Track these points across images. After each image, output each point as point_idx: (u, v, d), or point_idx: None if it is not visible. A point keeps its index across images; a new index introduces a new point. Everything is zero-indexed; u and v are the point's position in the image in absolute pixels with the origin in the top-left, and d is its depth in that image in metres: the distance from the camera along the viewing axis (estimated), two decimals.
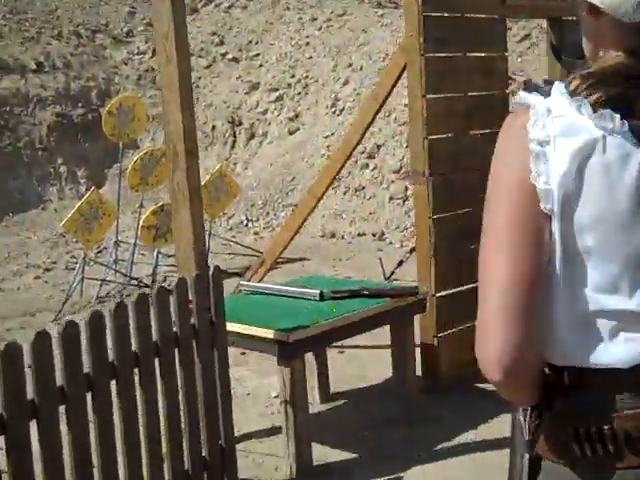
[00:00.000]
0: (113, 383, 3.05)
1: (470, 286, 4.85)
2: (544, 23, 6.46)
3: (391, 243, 9.05)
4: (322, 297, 4.10)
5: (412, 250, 7.28)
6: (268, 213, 10.50)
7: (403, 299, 4.19)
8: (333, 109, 11.60)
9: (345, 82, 11.96)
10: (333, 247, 9.13)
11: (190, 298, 3.35)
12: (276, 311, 4.00)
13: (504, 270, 1.37)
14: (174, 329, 3.28)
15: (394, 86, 4.73)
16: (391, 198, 9.88)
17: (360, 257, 8.57)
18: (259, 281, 5.43)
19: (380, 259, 7.60)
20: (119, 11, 14.54)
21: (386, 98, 4.72)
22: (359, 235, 9.45)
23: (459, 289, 4.79)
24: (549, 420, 1.43)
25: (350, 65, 12.25)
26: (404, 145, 10.40)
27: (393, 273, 7.40)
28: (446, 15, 4.64)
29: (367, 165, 10.47)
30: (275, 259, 5.34)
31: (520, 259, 1.35)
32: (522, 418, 1.47)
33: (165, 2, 3.29)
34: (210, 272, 3.42)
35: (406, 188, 9.91)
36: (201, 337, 3.37)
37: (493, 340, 1.36)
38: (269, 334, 3.72)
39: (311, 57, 12.55)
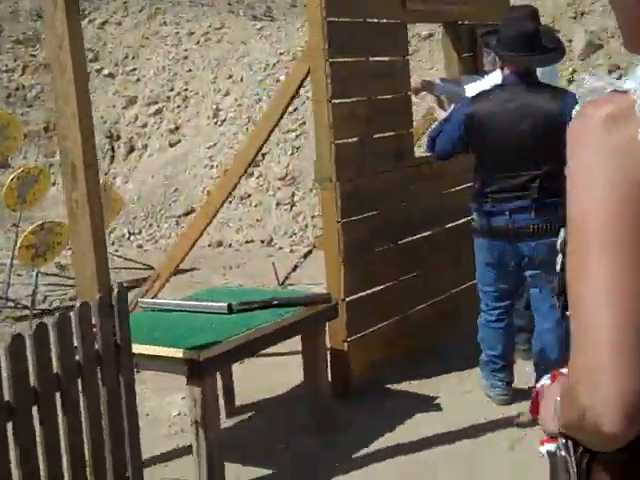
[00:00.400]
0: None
1: (379, 288, 4.87)
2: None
3: (281, 248, 9.00)
4: (230, 310, 3.96)
5: (306, 254, 7.27)
6: (151, 225, 10.28)
7: (315, 306, 4.14)
8: (215, 120, 11.48)
9: (226, 93, 11.87)
10: (221, 256, 9.01)
11: (94, 322, 3.15)
12: (182, 329, 3.81)
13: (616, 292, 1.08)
14: (76, 357, 3.07)
15: (298, 90, 4.69)
16: (278, 204, 9.85)
17: (251, 264, 8.49)
18: (154, 297, 5.23)
19: (273, 264, 7.55)
20: None
21: (289, 103, 4.67)
22: (247, 242, 9.37)
23: (368, 292, 4.79)
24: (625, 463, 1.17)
25: (230, 77, 12.17)
26: (289, 152, 10.41)
27: (287, 278, 7.36)
28: (349, 20, 4.64)
29: (252, 173, 10.40)
30: (171, 273, 5.19)
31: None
32: (566, 454, 1.24)
33: (58, 9, 3.11)
34: (115, 292, 3.24)
35: (293, 194, 9.91)
36: (106, 363, 3.17)
37: (612, 385, 1.07)
38: (178, 354, 3.53)
39: (190, 70, 12.40)
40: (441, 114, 4.79)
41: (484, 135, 4.24)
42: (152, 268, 7.95)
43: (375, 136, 4.87)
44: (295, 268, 7.32)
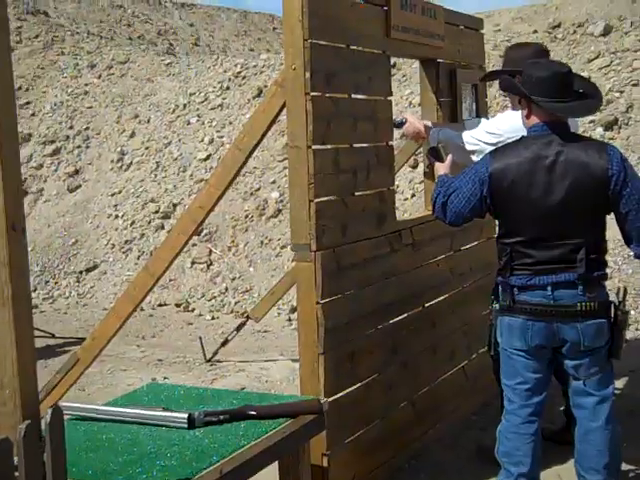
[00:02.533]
0: None
1: (364, 382, 3.85)
2: None
3: (200, 315, 7.85)
4: (192, 423, 2.88)
5: (239, 327, 6.20)
6: (47, 282, 8.93)
7: (303, 417, 3.07)
8: (119, 164, 10.29)
9: (131, 134, 10.71)
10: (132, 321, 7.76)
11: (16, 463, 2.06)
12: (129, 455, 2.69)
13: None
14: None
15: (267, 131, 3.66)
16: (193, 263, 8.71)
17: (168, 333, 7.31)
18: (71, 385, 4.10)
19: (200, 338, 6.42)
20: None
21: (255, 147, 3.63)
22: (160, 305, 8.16)
23: (350, 390, 3.75)
24: None
25: (136, 116, 11.03)
26: None
27: (216, 354, 6.25)
28: (334, 45, 3.67)
29: (162, 226, 9.25)
30: (95, 357, 4.03)
31: None
32: None
33: None
34: (47, 418, 2.15)
35: (210, 252, 8.80)
36: None
37: None
38: None
39: (91, 107, 11.18)
40: (440, 168, 3.84)
41: (515, 198, 3.33)
42: (52, 335, 6.76)
43: (357, 194, 3.88)
44: (225, 342, 6.21)
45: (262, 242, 8.66)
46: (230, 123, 10.23)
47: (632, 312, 6.35)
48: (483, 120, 4.46)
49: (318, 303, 3.54)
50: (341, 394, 3.68)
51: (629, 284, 6.63)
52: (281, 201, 9.03)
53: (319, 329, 3.53)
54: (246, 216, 8.84)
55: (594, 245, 3.34)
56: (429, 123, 4.48)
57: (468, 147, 4.12)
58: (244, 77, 10.99)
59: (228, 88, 10.87)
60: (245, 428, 2.90)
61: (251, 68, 11.07)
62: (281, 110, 3.60)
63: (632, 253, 3.50)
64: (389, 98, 4.17)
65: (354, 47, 3.84)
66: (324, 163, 3.59)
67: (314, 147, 3.52)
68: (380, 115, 4.06)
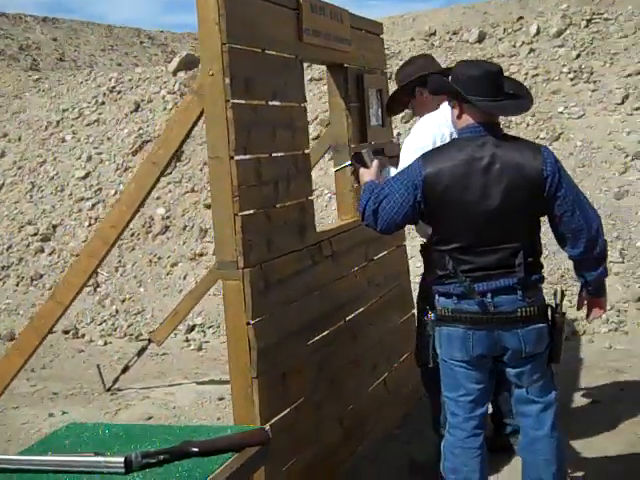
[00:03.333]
0: None
1: (295, 404, 3.64)
2: None
3: (92, 341, 7.41)
4: (129, 467, 2.57)
5: (140, 352, 5.87)
6: None
7: (248, 449, 2.82)
8: None
9: (1, 154, 10.13)
10: None
11: None
12: None
13: None
14: None
15: (183, 143, 3.40)
16: None
17: (59, 363, 6.87)
18: None
19: (98, 366, 6.03)
20: None
21: (171, 159, 3.37)
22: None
23: (283, 413, 3.53)
24: None
25: (5, 135, 10.44)
26: (85, 224, 8.88)
27: (116, 382, 5.88)
28: (251, 49, 3.45)
29: (42, 249, 8.75)
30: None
31: None
32: None
33: None
34: None
35: (95, 274, 8.36)
36: None
37: None
38: None
39: None
40: (366, 174, 3.66)
41: (450, 202, 3.19)
42: None
43: (279, 205, 3.67)
44: (126, 369, 5.86)
45: (151, 261, 8.31)
46: (108, 139, 9.82)
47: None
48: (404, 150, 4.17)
49: (249, 324, 3.31)
50: (275, 419, 3.45)
51: (564, 269, 6.68)
52: (167, 217, 8.71)
53: (251, 352, 3.30)
54: (132, 234, 8.46)
55: (531, 248, 3.25)
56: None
57: None
58: (119, 91, 10.59)
59: (103, 103, 10.45)
60: (189, 468, 2.62)
61: (126, 82, 10.69)
62: (198, 119, 3.36)
63: (567, 255, 3.42)
64: (303, 105, 3.99)
65: (269, 51, 3.64)
66: (247, 174, 3.36)
67: (236, 157, 3.29)
68: (297, 123, 3.87)
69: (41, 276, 8.46)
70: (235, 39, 3.31)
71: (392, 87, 7.28)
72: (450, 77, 3.33)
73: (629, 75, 8.31)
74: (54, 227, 8.93)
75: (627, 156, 7.57)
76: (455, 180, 3.17)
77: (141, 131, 9.70)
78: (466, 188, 3.17)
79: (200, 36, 3.27)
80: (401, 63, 4.40)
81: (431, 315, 3.38)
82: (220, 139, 3.26)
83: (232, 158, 3.27)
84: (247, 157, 3.37)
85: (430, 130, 3.77)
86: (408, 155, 3.84)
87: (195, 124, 3.37)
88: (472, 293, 3.20)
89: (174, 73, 10.34)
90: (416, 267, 6.19)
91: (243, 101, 3.35)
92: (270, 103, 3.65)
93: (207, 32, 3.25)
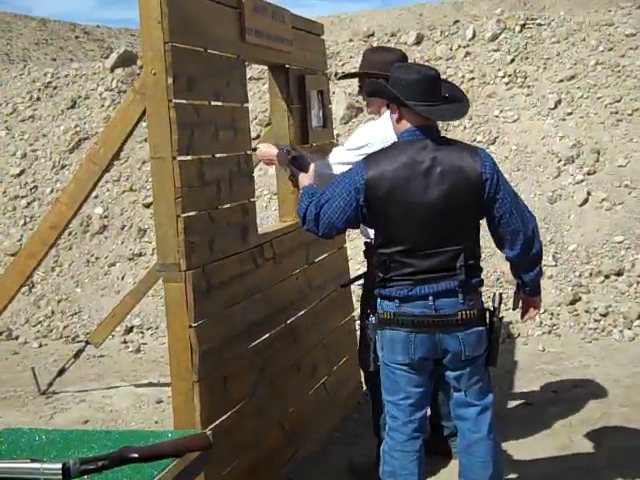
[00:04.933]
0: None
1: (236, 408, 3.62)
2: None
3: (26, 342, 7.26)
4: (67, 474, 2.51)
5: (78, 353, 5.77)
6: None
7: (188, 455, 2.80)
8: None
9: None
10: None
11: None
12: None
13: None
14: None
15: (125, 142, 3.36)
16: None
17: None
18: None
19: (33, 369, 5.91)
20: None
21: (113, 159, 3.32)
22: None
23: (223, 417, 3.51)
24: None
25: None
26: (20, 223, 8.70)
27: (52, 385, 5.77)
28: (194, 48, 3.42)
29: None
30: None
31: None
32: None
33: None
34: None
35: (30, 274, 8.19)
36: None
37: None
38: None
39: None
40: (304, 179, 3.66)
41: (392, 205, 3.21)
42: None
43: (222, 207, 3.65)
44: (62, 371, 5.75)
45: (88, 260, 8.18)
46: (44, 135, 9.63)
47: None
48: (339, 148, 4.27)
49: (191, 327, 3.28)
50: (215, 423, 3.43)
51: (500, 273, 6.76)
52: (105, 216, 8.59)
53: (193, 355, 3.27)
54: (69, 233, 8.32)
55: (471, 251, 3.29)
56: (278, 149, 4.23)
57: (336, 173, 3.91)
58: (55, 87, 10.39)
59: (39, 99, 10.24)
60: (129, 474, 2.58)
61: (62, 78, 10.48)
62: (140, 118, 3.32)
63: (504, 256, 3.47)
64: (246, 105, 3.97)
65: (212, 51, 3.61)
66: (190, 175, 3.33)
67: (179, 158, 3.26)
68: (238, 123, 3.85)
69: None
70: (178, 38, 3.28)
71: (333, 88, 7.29)
72: (389, 81, 3.35)
73: (561, 80, 8.47)
74: None
75: (560, 160, 7.71)
76: (397, 183, 3.19)
77: (78, 128, 9.54)
78: (407, 191, 3.19)
79: (142, 35, 3.23)
80: (342, 63, 4.41)
81: (373, 318, 3.39)
82: (163, 139, 3.22)
83: (175, 159, 3.24)
84: (190, 158, 3.34)
85: (381, 132, 3.79)
86: (342, 155, 3.89)
87: (137, 124, 3.34)
88: (413, 298, 3.23)
89: (111, 69, 10.19)
90: (355, 269, 6.22)
91: (185, 101, 3.32)
92: (212, 103, 3.62)
93: (149, 30, 3.21)
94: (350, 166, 3.78)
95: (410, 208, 3.19)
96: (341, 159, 3.90)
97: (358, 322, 4.58)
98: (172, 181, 3.23)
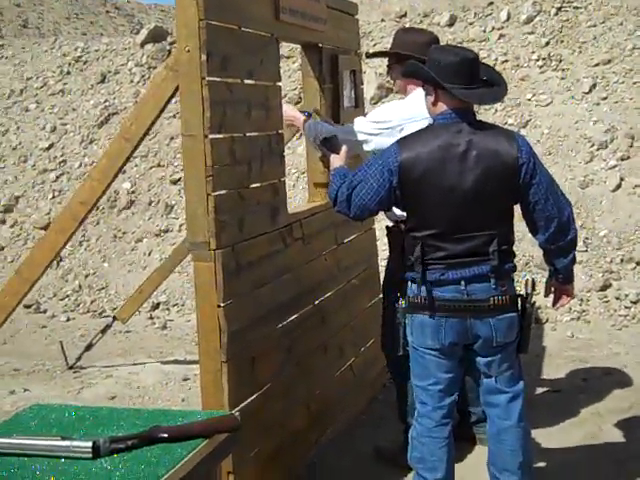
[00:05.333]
0: None
1: (264, 389, 3.60)
2: None
3: (54, 316, 7.30)
4: (97, 452, 2.51)
5: (105, 329, 5.79)
6: None
7: (217, 436, 2.79)
8: None
9: None
10: None
11: None
12: None
13: None
14: None
15: (157, 119, 3.33)
16: None
17: (20, 338, 6.75)
18: None
19: (61, 343, 5.94)
20: None
21: (144, 136, 3.30)
22: None
23: (251, 398, 3.50)
24: None
25: None
26: (49, 196, 8.72)
27: (79, 359, 5.80)
28: (228, 26, 3.38)
29: (4, 221, 8.60)
30: None
31: None
32: None
33: None
34: None
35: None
36: None
37: None
38: None
39: None
40: (336, 160, 3.62)
41: (426, 188, 3.17)
42: None
43: (252, 186, 3.62)
44: (90, 347, 5.78)
45: (115, 236, 8.20)
46: (73, 110, 9.64)
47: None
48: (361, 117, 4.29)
49: (219, 306, 3.26)
50: (243, 404, 3.41)
51: (529, 257, 6.71)
52: (133, 192, 8.60)
53: (221, 335, 3.26)
54: (97, 208, 8.33)
55: (505, 236, 3.25)
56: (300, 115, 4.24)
57: (349, 138, 3.91)
58: (85, 62, 10.39)
59: (69, 73, 10.25)
60: (158, 454, 2.57)
61: (92, 52, 10.48)
62: (172, 95, 3.29)
63: (537, 242, 3.42)
64: (278, 84, 3.93)
65: (246, 29, 3.57)
66: (221, 153, 3.31)
67: (211, 136, 3.23)
68: (271, 102, 3.81)
69: (2, 248, 8.31)
70: (212, 15, 3.24)
71: (364, 68, 7.21)
72: (426, 62, 3.30)
73: (597, 65, 8.34)
74: (16, 198, 8.77)
75: (593, 145, 7.61)
76: (431, 166, 3.15)
77: (107, 103, 9.54)
78: (442, 174, 3.15)
79: (177, 12, 3.20)
80: (374, 43, 4.38)
81: (402, 303, 3.36)
82: (195, 117, 3.19)
83: (207, 137, 3.21)
84: (221, 136, 3.31)
85: (403, 111, 3.77)
86: (362, 125, 3.88)
87: (169, 100, 3.31)
88: (444, 282, 3.20)
89: (142, 45, 10.17)
90: (382, 250, 6.19)
91: (218, 79, 3.29)
92: (245, 81, 3.59)
93: (184, 8, 3.18)
94: (367, 136, 3.83)
95: (444, 191, 3.15)
96: (359, 128, 3.93)
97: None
98: (203, 159, 3.20)
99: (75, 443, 2.57)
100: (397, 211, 3.57)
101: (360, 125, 3.95)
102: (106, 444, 2.58)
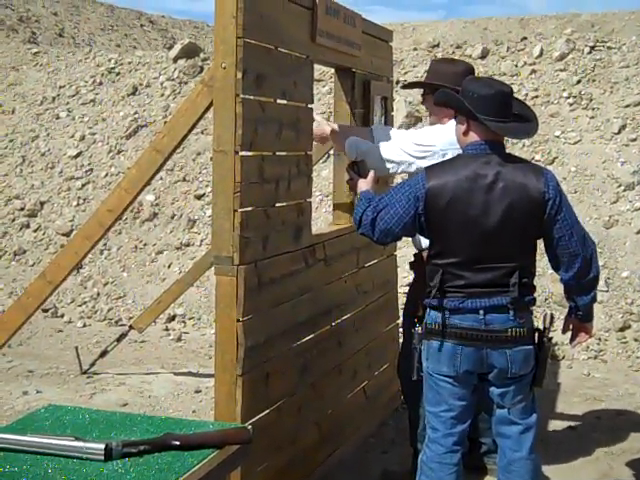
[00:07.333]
0: None
1: (276, 405, 3.62)
2: None
3: (70, 321, 7.36)
4: (109, 455, 2.54)
5: (120, 337, 5.82)
6: None
7: (229, 447, 2.80)
8: None
9: None
10: None
11: None
12: None
13: None
14: None
15: (189, 133, 3.38)
16: None
17: (36, 341, 6.81)
18: None
19: (76, 348, 5.98)
20: None
21: (175, 149, 3.34)
22: None
23: (263, 414, 3.51)
24: None
25: None
26: (73, 204, 8.81)
27: (93, 365, 5.84)
28: (265, 45, 3.43)
29: (28, 225, 8.68)
30: None
31: None
32: None
33: None
34: None
35: None
36: None
37: None
38: None
39: None
40: (363, 184, 3.64)
41: (451, 217, 3.19)
42: None
43: (277, 205, 3.65)
44: (104, 353, 5.81)
45: (136, 246, 8.26)
46: (103, 120, 9.75)
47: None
48: (400, 131, 4.32)
49: (239, 321, 3.29)
50: (255, 418, 3.43)
51: (549, 293, 6.70)
52: (157, 204, 8.67)
53: (239, 349, 3.28)
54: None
55: (527, 269, 3.26)
56: (335, 126, 4.28)
57: (391, 157, 3.91)
58: (118, 73, 10.53)
59: (101, 83, 10.39)
60: (169, 461, 2.59)
61: (125, 64, 10.62)
62: (206, 111, 3.33)
63: (560, 278, 3.43)
64: (310, 106, 3.97)
65: (282, 49, 3.62)
66: (250, 171, 3.34)
67: (241, 153, 3.27)
68: (302, 123, 3.85)
69: (24, 252, 8.39)
70: (250, 34, 3.29)
71: (394, 96, 7.26)
72: (460, 93, 3.33)
73: (627, 106, 8.35)
74: (42, 204, 8.86)
75: (620, 186, 7.60)
76: (458, 195, 3.17)
77: (137, 115, 9.65)
78: (468, 204, 3.17)
79: (216, 28, 3.25)
80: (405, 71, 4.40)
81: (419, 328, 3.37)
82: (227, 133, 3.23)
83: (237, 153, 3.25)
84: (251, 154, 3.35)
85: (449, 137, 3.75)
86: (406, 145, 3.86)
87: (202, 115, 3.35)
88: (463, 310, 3.21)
89: (174, 60, 10.29)
90: (402, 277, 6.20)
91: (252, 97, 3.33)
92: (278, 101, 3.63)
93: (223, 25, 3.23)
94: (409, 158, 3.81)
95: (469, 221, 3.17)
96: (403, 148, 3.87)
97: (401, 330, 4.56)
98: (232, 175, 3.24)
99: (88, 444, 2.59)
100: (423, 240, 3.58)
101: (404, 145, 3.91)
102: (118, 447, 2.60)
